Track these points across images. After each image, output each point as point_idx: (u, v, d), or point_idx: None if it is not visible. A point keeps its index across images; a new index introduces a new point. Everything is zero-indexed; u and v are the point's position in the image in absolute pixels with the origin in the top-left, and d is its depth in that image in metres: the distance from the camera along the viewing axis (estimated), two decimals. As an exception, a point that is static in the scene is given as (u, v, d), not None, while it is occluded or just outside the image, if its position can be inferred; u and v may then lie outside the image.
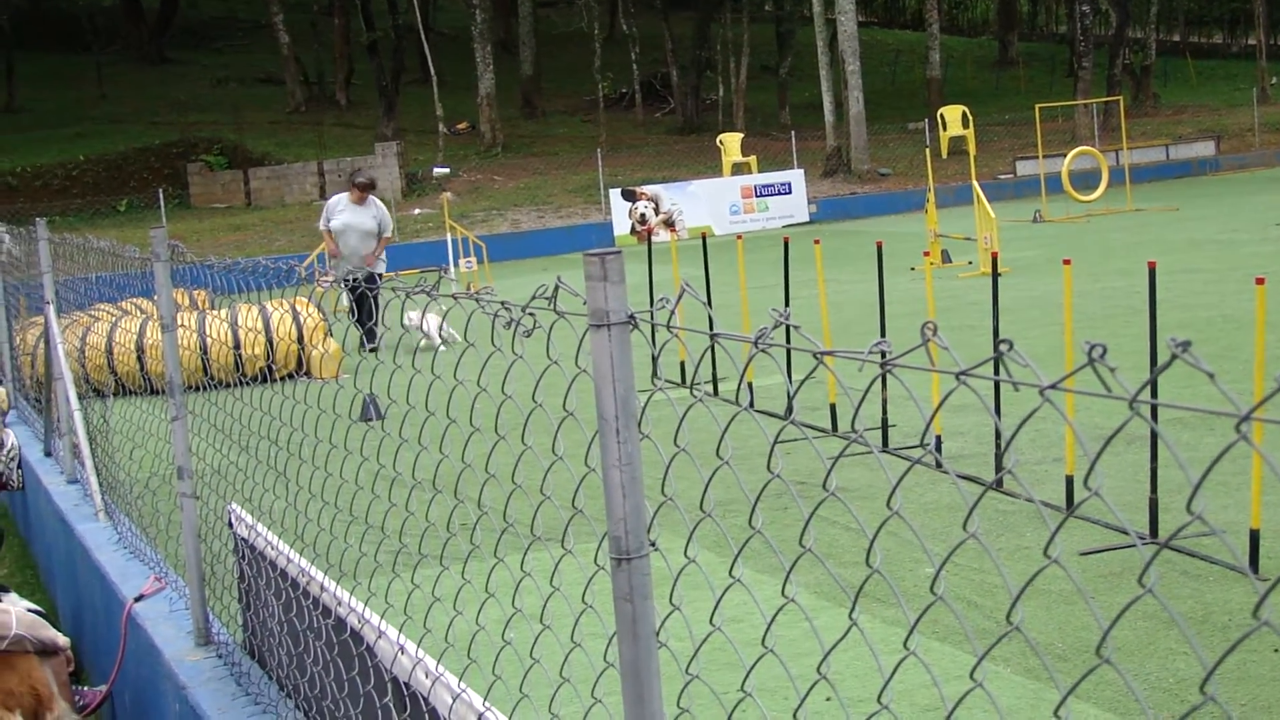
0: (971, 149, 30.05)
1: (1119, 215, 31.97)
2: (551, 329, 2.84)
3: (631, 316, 2.55)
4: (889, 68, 68.65)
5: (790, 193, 38.20)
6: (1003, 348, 1.82)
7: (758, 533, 2.38)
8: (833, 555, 7.91)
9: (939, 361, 1.98)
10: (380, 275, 17.61)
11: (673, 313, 2.51)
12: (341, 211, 18.86)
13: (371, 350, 16.39)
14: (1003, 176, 43.41)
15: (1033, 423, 10.49)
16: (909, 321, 14.63)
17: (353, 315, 17.62)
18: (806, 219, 37.76)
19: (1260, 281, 7.43)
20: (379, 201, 19.54)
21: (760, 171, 39.16)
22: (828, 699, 5.67)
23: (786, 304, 12.37)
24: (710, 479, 2.48)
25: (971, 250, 23.38)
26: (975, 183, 23.96)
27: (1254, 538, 7.23)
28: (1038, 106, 37.32)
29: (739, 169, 39.34)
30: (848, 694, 5.81)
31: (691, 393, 2.46)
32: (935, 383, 9.83)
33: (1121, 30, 59.77)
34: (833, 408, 11.35)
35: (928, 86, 57.27)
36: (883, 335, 11.77)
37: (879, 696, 2.05)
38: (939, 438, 9.98)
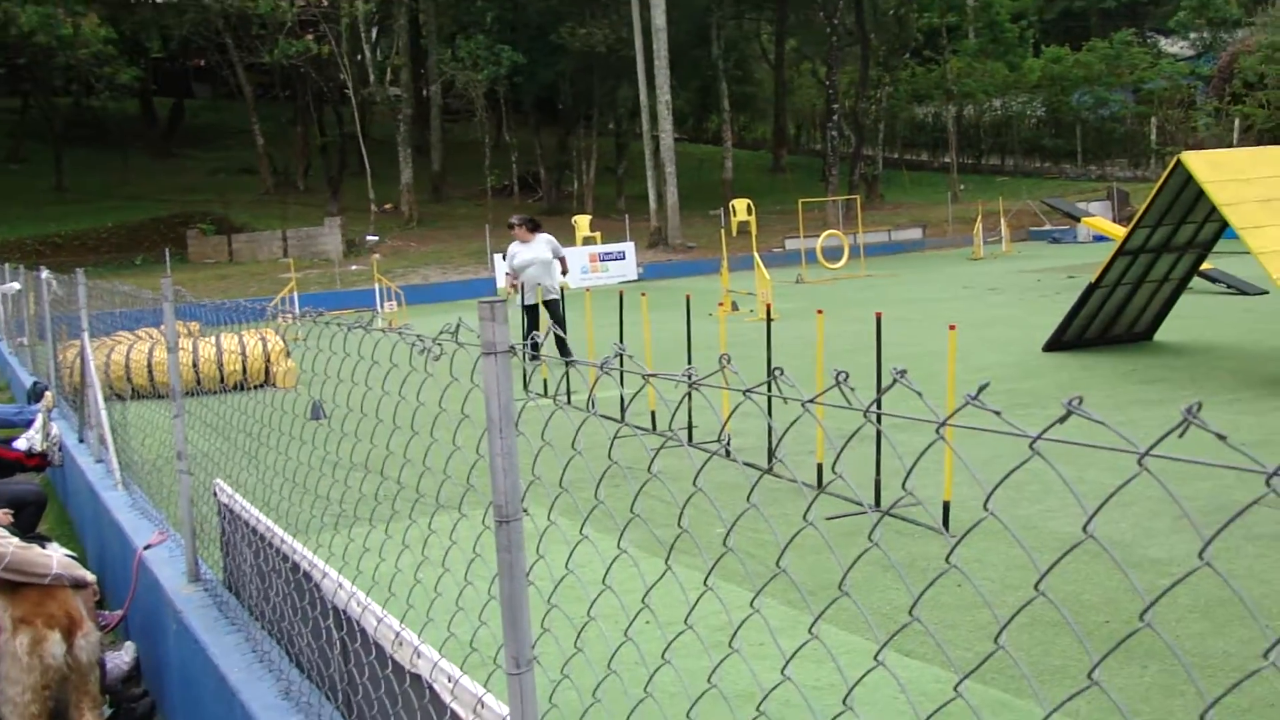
0: (753, 230, 30.40)
1: (856, 279, 32.49)
2: (454, 355, 2.82)
3: (511, 347, 2.55)
4: (695, 170, 69.10)
5: (625, 259, 38.26)
6: (776, 372, 1.84)
7: (600, 504, 2.38)
8: (651, 519, 7.91)
9: (731, 382, 2.00)
10: (558, 299, 16.50)
11: (540, 344, 2.51)
12: (517, 254, 16.84)
13: (569, 362, 15.11)
14: (775, 250, 43.82)
15: (794, 425, 10.62)
16: (709, 353, 14.68)
17: (527, 334, 15.13)
18: (636, 278, 37.86)
19: (952, 328, 7.62)
20: (548, 236, 17.27)
21: (603, 243, 39.20)
22: (647, 622, 5.68)
23: (621, 339, 12.39)
24: (566, 465, 2.48)
25: (752, 302, 23.63)
26: (756, 254, 24.23)
27: (946, 507, 7.39)
28: (800, 201, 37.93)
29: (588, 241, 39.37)
30: (662, 618, 5.81)
31: (554, 402, 2.46)
32: (726, 397, 9.91)
33: (858, 149, 60.86)
34: (652, 414, 11.39)
35: (723, 185, 57.79)
36: (689, 363, 11.84)
37: (685, 619, 2.07)
38: (730, 436, 10.05)
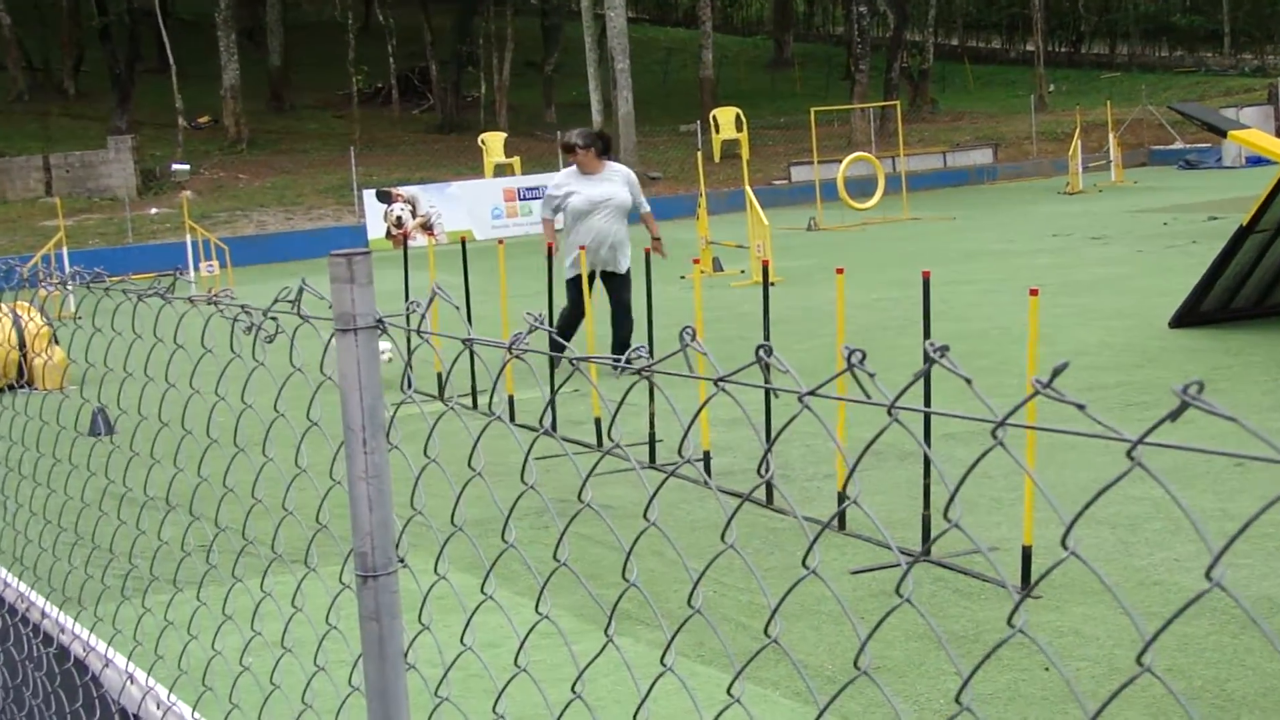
0: (745, 153, 30.52)
1: (895, 224, 32.64)
2: (295, 334, 2.82)
3: (380, 321, 2.56)
4: (660, 66, 69.22)
5: (568, 196, 38.31)
6: (762, 354, 1.87)
7: (511, 546, 2.40)
8: (597, 575, 7.94)
9: (697, 367, 2.02)
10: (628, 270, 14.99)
11: (424, 317, 2.53)
12: (571, 191, 15.01)
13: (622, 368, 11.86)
14: (777, 182, 44.00)
15: (804, 438, 10.72)
16: (678, 332, 14.78)
17: (567, 323, 14.34)
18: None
19: (1034, 293, 7.66)
20: (621, 166, 15.69)
21: (524, 173, 39.18)
22: (589, 727, 5.70)
23: (550, 313, 12.42)
24: (461, 492, 2.50)
25: (744, 258, 23.68)
26: (748, 188, 24.29)
27: (1025, 554, 7.46)
28: (813, 110, 37.97)
29: (501, 170, 39.33)
30: (602, 716, 5.84)
31: (443, 401, 2.47)
32: (704, 394, 9.94)
33: (899, 33, 61.04)
34: (597, 422, 11.42)
35: (700, 87, 57.80)
36: (650, 344, 11.81)
37: (634, 716, 2.09)
38: (707, 453, 10.08)
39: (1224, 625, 6.72)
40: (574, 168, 15.32)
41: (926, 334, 8.29)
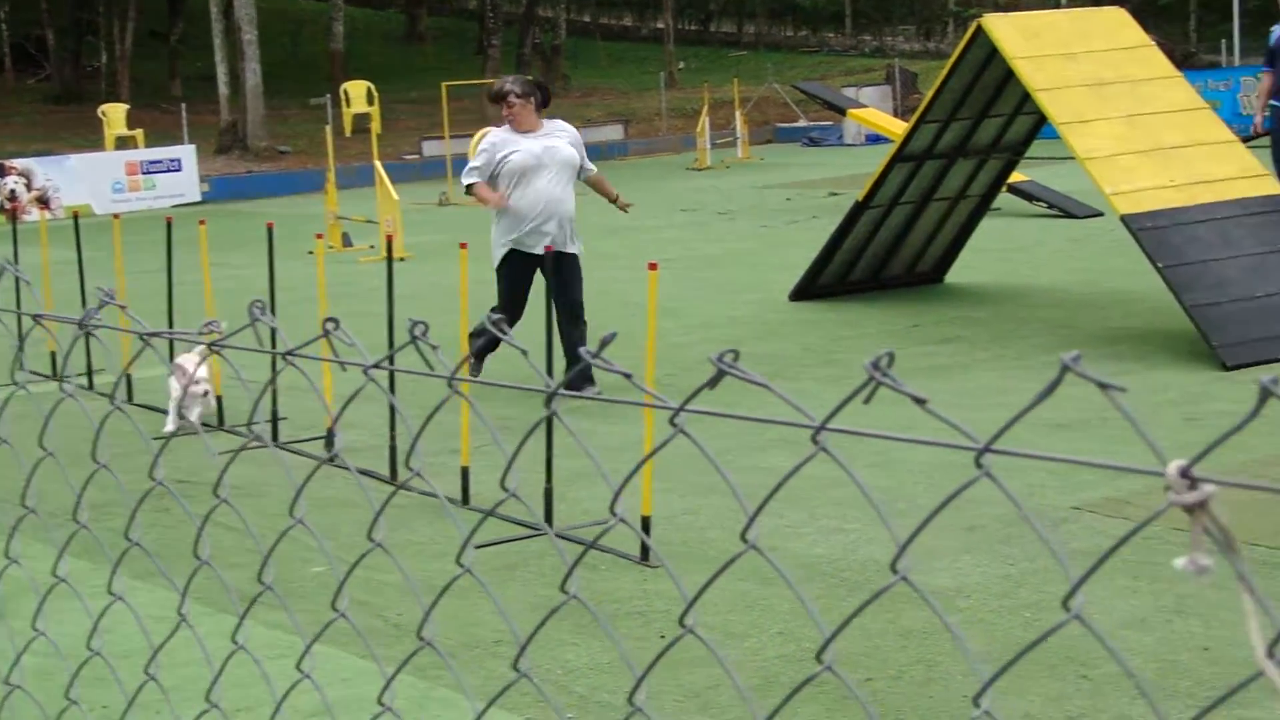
0: (375, 127, 30.28)
1: (528, 199, 32.75)
2: None
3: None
4: (290, 38, 68.22)
5: (181, 170, 37.49)
6: (329, 326, 1.87)
7: (83, 527, 2.36)
8: (218, 557, 7.81)
9: (270, 341, 2.01)
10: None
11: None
12: (512, 150, 12.06)
13: (590, 389, 10.52)
14: (408, 157, 43.76)
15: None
16: (305, 308, 14.63)
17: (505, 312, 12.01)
18: (199, 198, 37.16)
19: (653, 267, 7.83)
20: (566, 124, 13.01)
21: (147, 146, 38.29)
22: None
23: (169, 292, 12.15)
24: (32, 474, 2.44)
25: (374, 233, 23.56)
26: (378, 163, 24.19)
27: (645, 524, 7.61)
28: (445, 85, 37.88)
29: (123, 143, 38.39)
30: (230, 705, 5.75)
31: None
32: (327, 373, 9.88)
33: (531, 8, 61.36)
34: (219, 400, 11.21)
35: (330, 60, 57.26)
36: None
37: (207, 695, 2.08)
38: (331, 430, 9.99)
39: (833, 589, 6.98)
40: (505, 127, 12.52)
41: (547, 309, 8.39)
